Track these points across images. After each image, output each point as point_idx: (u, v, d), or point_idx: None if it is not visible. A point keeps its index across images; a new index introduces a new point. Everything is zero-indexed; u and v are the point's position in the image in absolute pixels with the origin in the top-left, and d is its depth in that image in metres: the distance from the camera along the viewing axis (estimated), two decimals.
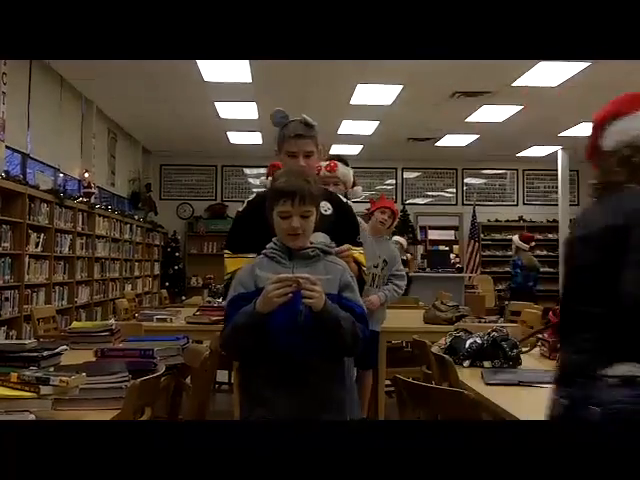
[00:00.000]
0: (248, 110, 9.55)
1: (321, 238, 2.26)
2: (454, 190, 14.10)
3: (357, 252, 2.64)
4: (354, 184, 4.12)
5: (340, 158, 4.12)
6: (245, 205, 2.77)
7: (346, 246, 2.49)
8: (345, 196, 3.23)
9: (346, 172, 4.01)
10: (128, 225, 10.40)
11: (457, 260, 13.09)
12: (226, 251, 2.69)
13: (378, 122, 10.43)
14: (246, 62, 7.36)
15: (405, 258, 9.66)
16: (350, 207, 2.81)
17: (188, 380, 2.89)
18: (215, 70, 7.71)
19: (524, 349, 2.94)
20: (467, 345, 2.74)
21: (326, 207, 2.61)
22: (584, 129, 10.64)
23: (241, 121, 10.24)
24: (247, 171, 13.53)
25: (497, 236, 13.97)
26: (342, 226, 2.62)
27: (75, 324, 3.66)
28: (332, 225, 2.50)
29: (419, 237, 13.72)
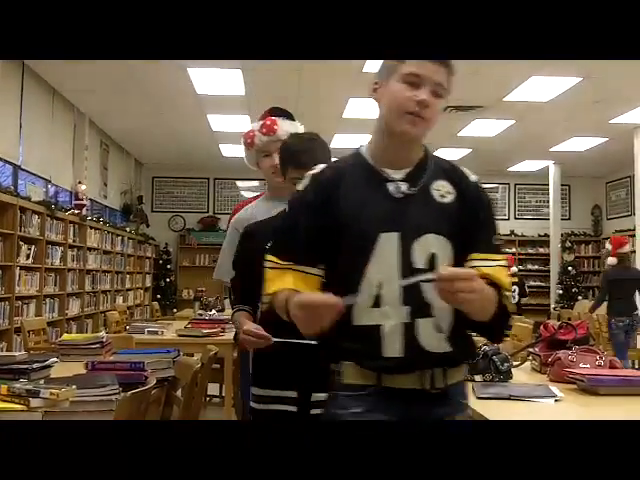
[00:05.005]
0: (241, 123, 9.57)
1: None
2: None
3: (490, 267, 1.57)
4: None
5: (280, 109, 3.03)
6: (308, 182, 1.64)
7: (469, 272, 1.44)
8: None
9: (293, 130, 2.74)
10: (120, 237, 10.38)
11: None
12: (270, 257, 1.61)
13: (370, 136, 10.46)
14: (239, 74, 7.38)
15: None
16: (483, 191, 1.67)
17: (179, 393, 2.88)
18: (208, 83, 7.73)
19: (515, 363, 2.94)
20: None
21: (445, 189, 1.64)
22: (575, 144, 10.72)
23: (234, 134, 10.26)
24: (239, 184, 13.53)
25: None
26: (471, 222, 1.61)
27: (65, 336, 3.64)
28: (454, 222, 1.59)
29: None
